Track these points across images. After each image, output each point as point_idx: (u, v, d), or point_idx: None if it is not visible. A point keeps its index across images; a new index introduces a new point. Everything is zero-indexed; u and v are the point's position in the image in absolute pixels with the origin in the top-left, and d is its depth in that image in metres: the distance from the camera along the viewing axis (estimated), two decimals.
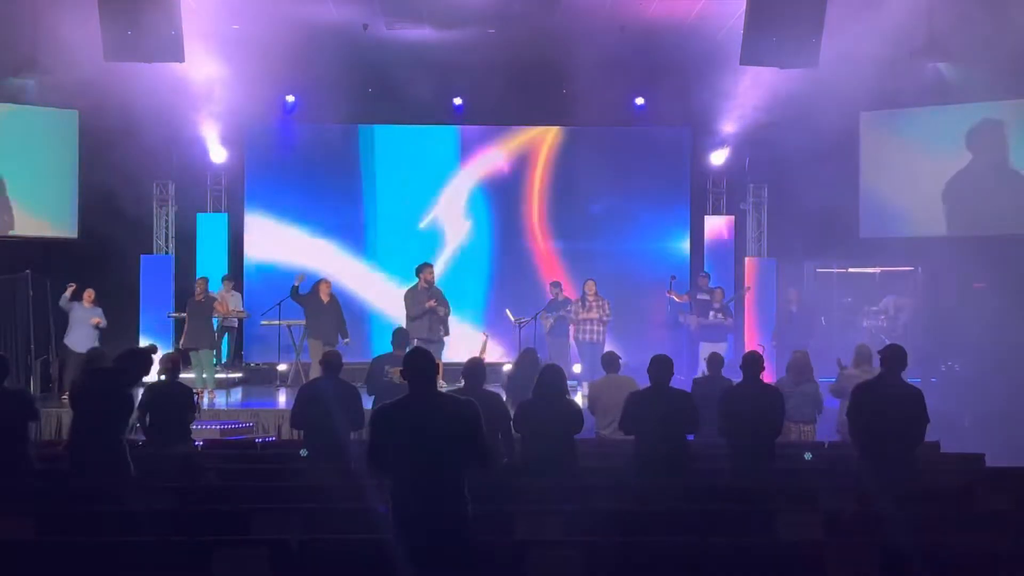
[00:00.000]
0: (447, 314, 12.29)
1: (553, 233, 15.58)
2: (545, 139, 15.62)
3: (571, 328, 13.39)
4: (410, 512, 4.86)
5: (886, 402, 6.95)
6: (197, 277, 13.90)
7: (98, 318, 12.86)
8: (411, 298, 12.25)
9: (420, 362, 5.04)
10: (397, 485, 4.93)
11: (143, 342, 14.17)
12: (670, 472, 6.96)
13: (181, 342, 13.11)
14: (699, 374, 12.60)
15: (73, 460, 6.99)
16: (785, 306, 13.80)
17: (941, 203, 14.21)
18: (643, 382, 8.30)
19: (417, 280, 12.26)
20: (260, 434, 11.01)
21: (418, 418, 4.93)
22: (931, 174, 14.25)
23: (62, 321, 13.18)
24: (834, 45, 10.76)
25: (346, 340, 12.68)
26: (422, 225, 15.57)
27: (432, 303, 12.12)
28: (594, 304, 13.16)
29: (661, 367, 7.29)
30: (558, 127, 15.54)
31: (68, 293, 12.90)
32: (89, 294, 13.03)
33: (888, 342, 13.15)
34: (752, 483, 7.00)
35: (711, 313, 13.57)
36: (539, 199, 15.58)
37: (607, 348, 11.31)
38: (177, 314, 14.09)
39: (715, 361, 9.52)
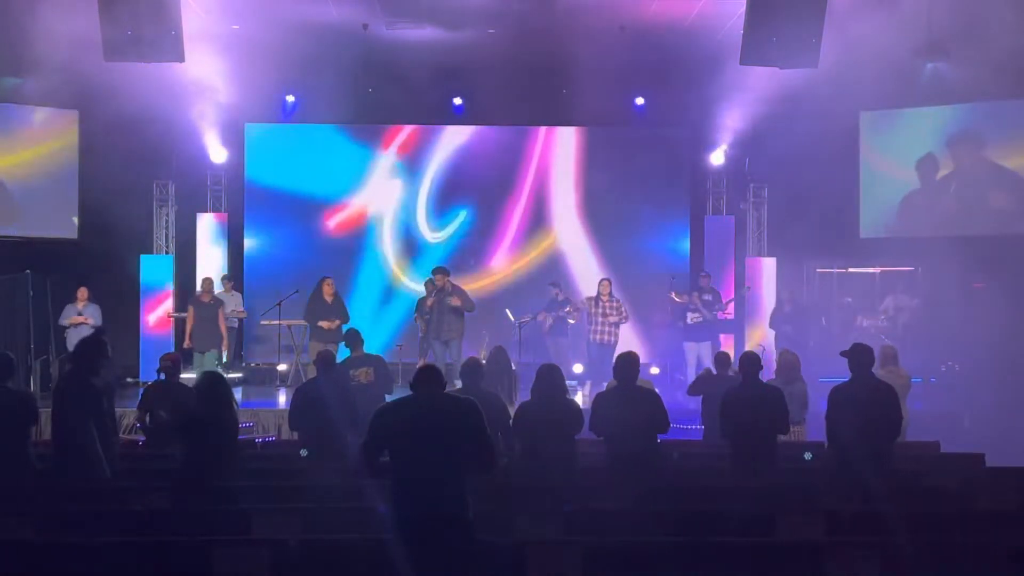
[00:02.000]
0: (464, 308, 12.43)
1: (553, 233, 15.57)
2: (544, 139, 15.61)
3: (586, 328, 13.37)
4: (410, 511, 4.85)
5: (860, 402, 6.98)
6: (202, 277, 13.89)
7: (87, 317, 12.86)
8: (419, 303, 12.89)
9: (429, 363, 5.07)
10: (397, 484, 4.92)
11: (143, 342, 14.24)
12: (640, 472, 6.93)
13: (186, 342, 13.10)
14: (690, 374, 12.65)
15: (55, 460, 6.97)
16: (779, 306, 13.81)
17: (941, 203, 14.24)
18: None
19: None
20: (260, 434, 11.01)
21: (418, 416, 4.93)
22: (930, 174, 14.28)
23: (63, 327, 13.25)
24: (834, 45, 10.76)
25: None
26: (421, 224, 15.57)
27: (430, 302, 12.38)
28: (608, 306, 13.15)
29: (627, 365, 7.27)
30: (558, 127, 15.53)
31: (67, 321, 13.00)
32: (82, 293, 13.04)
33: (889, 343, 13.20)
34: (752, 483, 7.00)
35: (689, 315, 13.51)
36: (539, 199, 15.57)
37: (619, 347, 11.29)
38: (178, 314, 14.09)
39: (722, 360, 9.52)
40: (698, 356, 13.23)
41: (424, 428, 4.89)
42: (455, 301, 12.40)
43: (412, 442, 4.89)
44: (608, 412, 7.19)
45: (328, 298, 12.68)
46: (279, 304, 13.60)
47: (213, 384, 7.28)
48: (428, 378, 5.06)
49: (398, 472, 4.92)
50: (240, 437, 10.09)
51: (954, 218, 14.03)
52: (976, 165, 14.06)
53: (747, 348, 12.89)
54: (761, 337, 14.29)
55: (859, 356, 7.13)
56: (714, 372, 9.73)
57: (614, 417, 7.12)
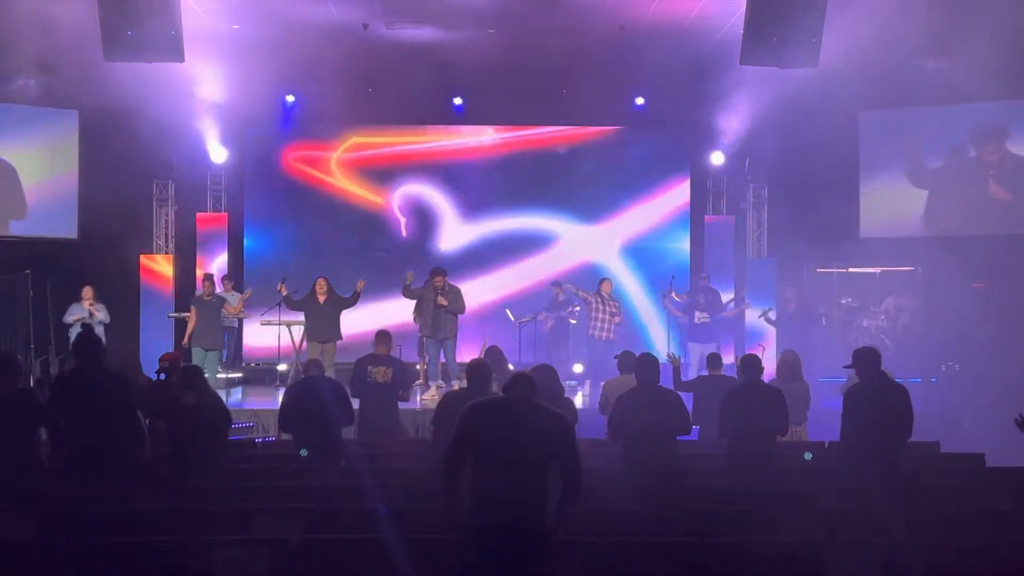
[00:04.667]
0: (449, 309, 12.39)
1: (553, 233, 15.56)
2: (545, 139, 15.60)
3: (588, 323, 13.41)
4: (493, 517, 4.78)
5: (875, 401, 6.99)
6: (203, 275, 13.88)
7: (96, 312, 12.87)
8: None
9: (521, 370, 5.04)
10: (482, 486, 4.85)
11: (143, 343, 14.22)
12: (661, 474, 6.93)
13: (187, 339, 13.08)
14: (692, 374, 12.64)
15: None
16: (783, 306, 13.79)
17: (941, 202, 14.23)
18: None
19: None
20: (260, 434, 11.01)
21: (515, 420, 4.87)
22: (931, 174, 14.28)
23: (64, 326, 13.24)
24: (834, 45, 10.75)
25: (361, 284, 12.78)
26: (420, 223, 15.58)
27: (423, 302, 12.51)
28: (613, 305, 13.26)
29: (649, 366, 7.27)
30: (557, 127, 15.51)
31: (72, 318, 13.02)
32: (87, 292, 13.04)
33: (889, 343, 13.19)
34: (752, 483, 7.00)
35: (696, 314, 13.57)
36: (539, 199, 15.55)
37: (619, 347, 11.25)
38: (178, 314, 14.08)
39: (715, 360, 9.53)
40: (701, 357, 13.23)
41: (519, 432, 4.82)
42: (442, 300, 12.40)
43: (506, 444, 4.80)
44: (629, 413, 7.16)
45: (321, 298, 12.64)
46: (279, 304, 13.59)
47: (185, 375, 7.33)
48: (523, 385, 5.01)
49: (485, 473, 4.83)
50: (240, 437, 10.21)
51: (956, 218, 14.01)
52: (976, 164, 14.06)
53: (746, 349, 12.90)
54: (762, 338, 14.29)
55: (864, 359, 7.13)
56: (708, 372, 9.73)
57: (636, 418, 7.10)
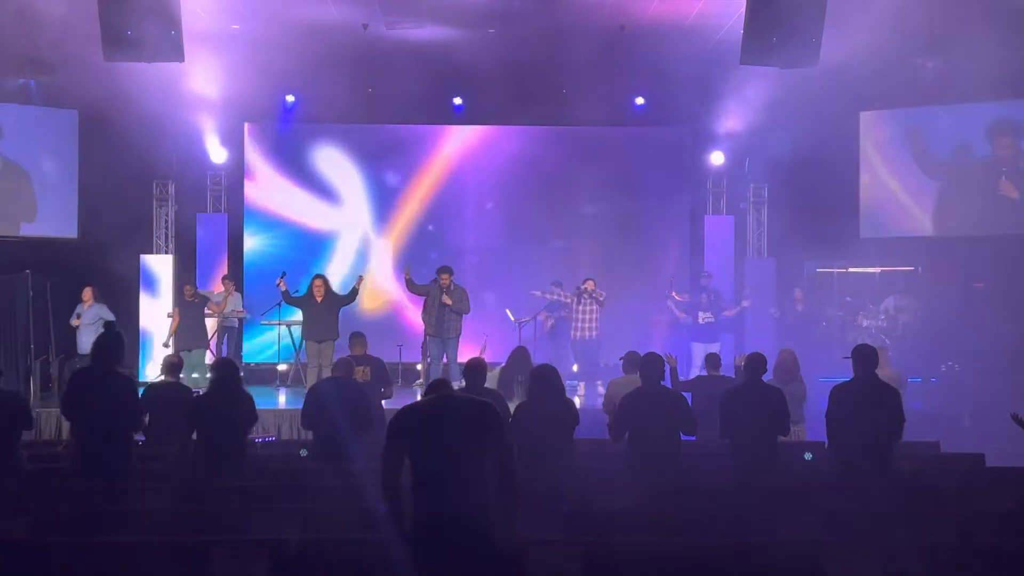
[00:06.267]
0: (454, 309, 12.39)
1: (553, 233, 15.55)
2: (545, 139, 15.60)
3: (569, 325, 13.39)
4: (432, 514, 4.73)
5: (863, 402, 6.99)
6: (186, 280, 13.89)
7: (89, 318, 12.86)
8: None
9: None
10: (418, 487, 4.79)
11: (143, 343, 14.24)
12: (665, 473, 6.94)
13: (171, 343, 13.05)
14: (694, 374, 12.63)
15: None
16: (791, 305, 13.78)
17: (941, 202, 14.23)
18: None
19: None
20: (260, 434, 10.99)
21: (435, 418, 4.82)
22: (931, 174, 14.28)
23: (64, 324, 13.23)
24: (834, 45, 10.76)
25: (360, 280, 12.80)
26: (421, 224, 15.58)
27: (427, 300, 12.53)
28: (588, 299, 13.13)
29: (653, 367, 7.27)
30: (557, 126, 15.52)
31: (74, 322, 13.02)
32: (87, 293, 13.02)
33: (888, 342, 13.18)
34: (752, 483, 7.00)
35: (700, 314, 13.56)
36: (539, 199, 15.55)
37: (619, 347, 11.20)
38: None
39: (713, 360, 9.52)
40: (704, 357, 13.22)
41: (441, 429, 4.77)
42: (446, 299, 12.40)
43: (431, 444, 4.76)
44: (633, 413, 7.16)
45: (319, 297, 12.56)
46: (279, 304, 13.59)
47: (225, 370, 7.35)
48: (442, 384, 5.04)
49: (418, 475, 4.77)
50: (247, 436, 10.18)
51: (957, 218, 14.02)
52: (976, 163, 14.06)
53: (741, 349, 12.89)
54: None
55: (863, 356, 7.14)
56: (706, 372, 9.73)
57: (640, 418, 7.10)
